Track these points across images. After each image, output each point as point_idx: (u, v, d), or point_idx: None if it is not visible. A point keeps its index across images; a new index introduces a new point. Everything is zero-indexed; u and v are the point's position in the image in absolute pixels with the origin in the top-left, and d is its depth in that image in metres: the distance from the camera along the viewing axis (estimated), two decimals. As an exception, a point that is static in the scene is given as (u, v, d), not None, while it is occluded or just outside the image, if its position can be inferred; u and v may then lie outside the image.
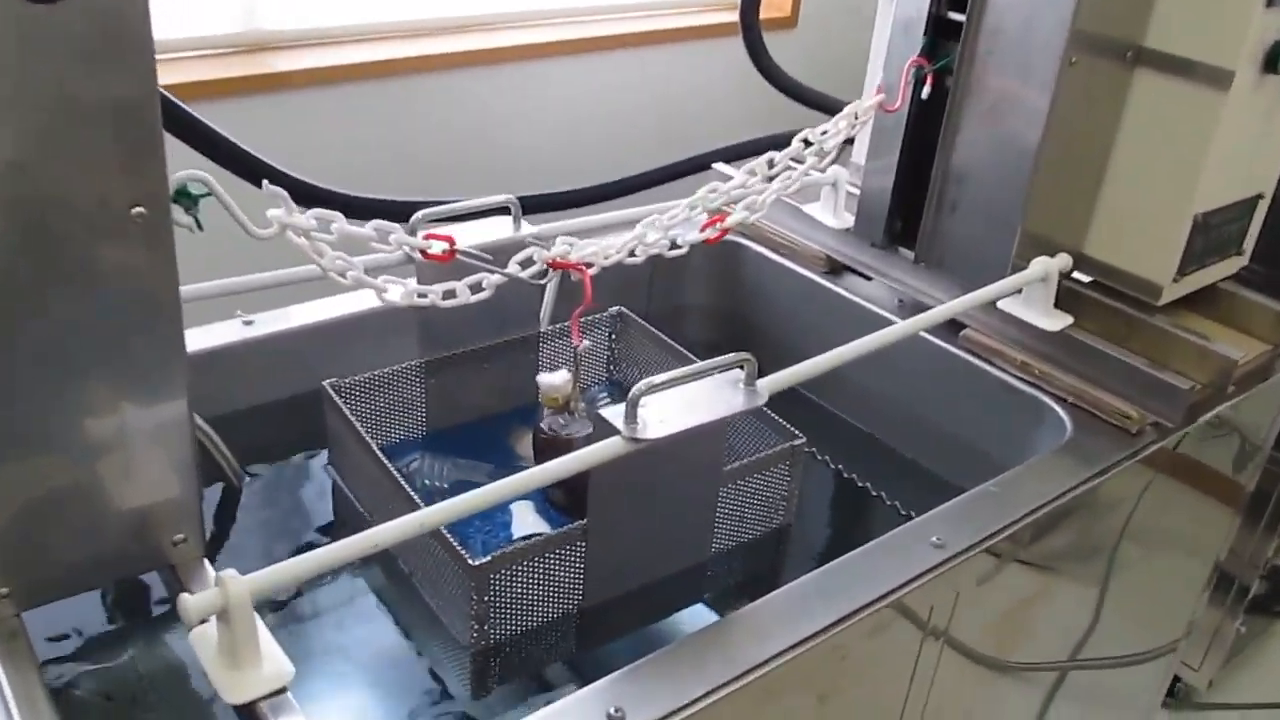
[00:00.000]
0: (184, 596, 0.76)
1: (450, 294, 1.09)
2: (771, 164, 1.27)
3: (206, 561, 0.90)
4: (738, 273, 1.72)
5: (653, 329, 1.42)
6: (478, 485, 1.27)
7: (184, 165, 0.90)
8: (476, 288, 1.11)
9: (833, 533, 1.37)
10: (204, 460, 1.21)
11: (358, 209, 1.41)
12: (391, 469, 1.11)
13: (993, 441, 1.39)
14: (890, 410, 1.49)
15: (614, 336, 1.47)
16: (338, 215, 1.00)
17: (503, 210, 1.31)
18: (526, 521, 1.21)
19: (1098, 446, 1.27)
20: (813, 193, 1.64)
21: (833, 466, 1.43)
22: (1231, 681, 2.23)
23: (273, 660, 0.81)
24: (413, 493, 1.08)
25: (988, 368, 1.40)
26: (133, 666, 1.04)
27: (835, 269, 1.63)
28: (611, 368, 1.49)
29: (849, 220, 1.59)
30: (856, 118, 1.35)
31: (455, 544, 1.02)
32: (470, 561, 0.99)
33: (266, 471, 1.30)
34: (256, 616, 0.79)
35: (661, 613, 1.19)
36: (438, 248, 1.09)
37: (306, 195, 1.35)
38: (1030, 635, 1.35)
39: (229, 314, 1.34)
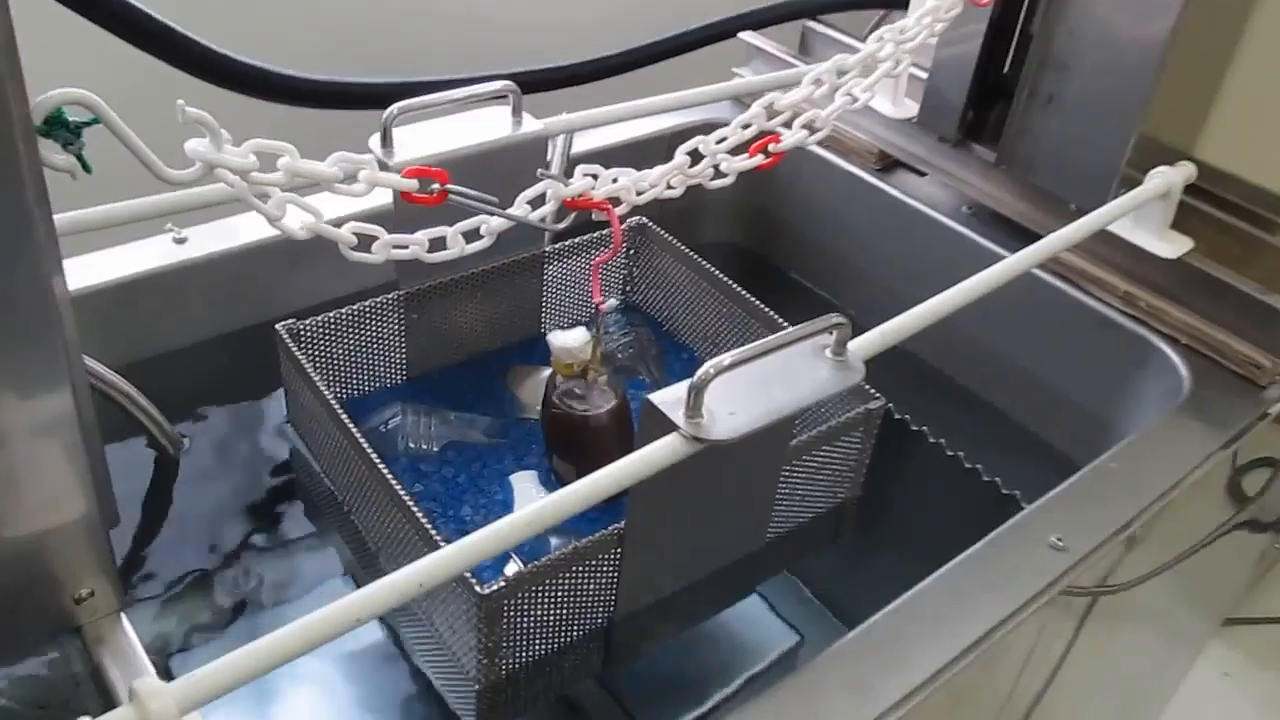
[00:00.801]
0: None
1: (439, 244, 0.83)
2: (841, 73, 1.00)
3: (125, 620, 0.66)
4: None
5: (679, 245, 1.17)
6: (474, 448, 1.05)
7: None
8: (473, 235, 0.85)
9: (907, 505, 1.15)
10: (127, 423, 0.96)
11: (322, 95, 1.13)
12: (365, 447, 0.87)
13: (1086, 386, 1.17)
14: (960, 344, 1.25)
15: (631, 251, 1.21)
16: (286, 148, 0.73)
17: (498, 98, 1.03)
18: (531, 501, 0.97)
19: (1224, 403, 1.05)
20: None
21: (897, 416, 1.20)
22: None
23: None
24: (396, 485, 0.84)
25: (1083, 298, 1.17)
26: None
27: (889, 166, 1.37)
28: (628, 288, 1.24)
29: (911, 109, 1.32)
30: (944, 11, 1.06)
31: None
32: (477, 589, 0.76)
33: (211, 430, 1.05)
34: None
35: (705, 611, 0.98)
36: (418, 188, 0.82)
37: (255, 82, 1.06)
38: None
39: (157, 230, 1.07)
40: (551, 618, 0.83)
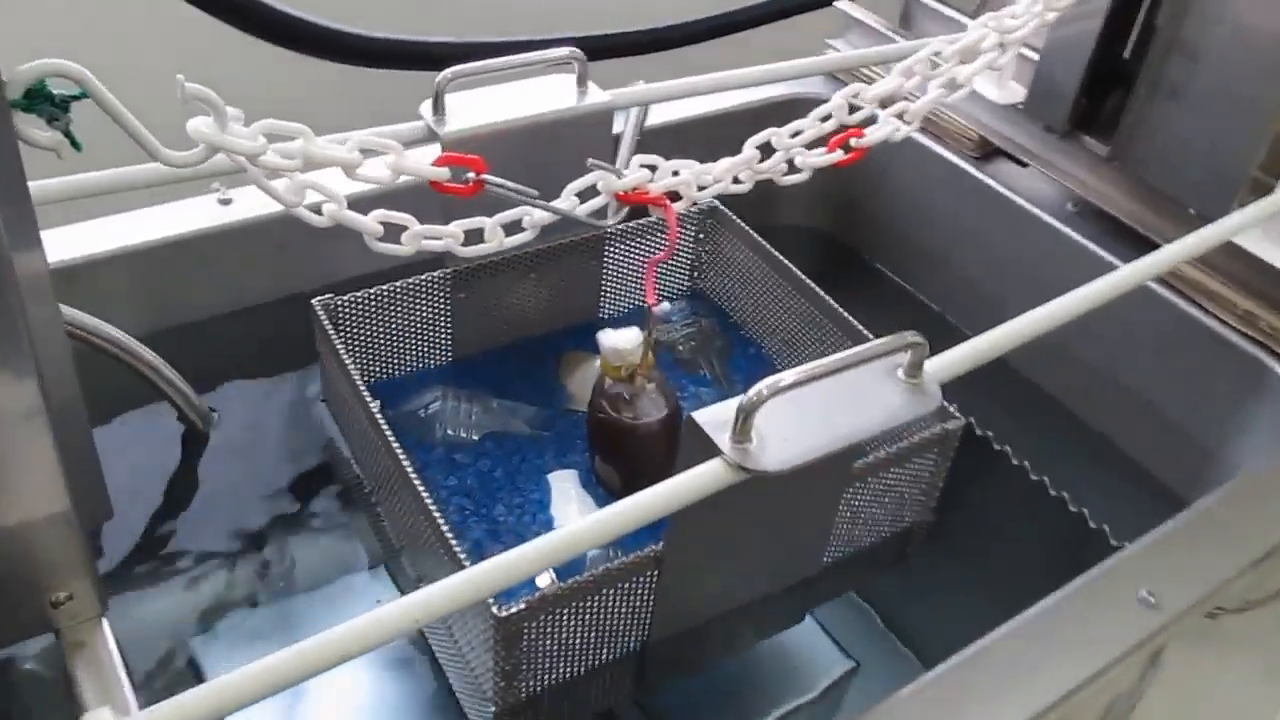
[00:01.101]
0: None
1: (476, 236, 0.76)
2: (936, 62, 0.90)
3: (106, 626, 0.61)
4: (858, 148, 1.35)
5: (752, 232, 1.08)
6: (514, 439, 0.98)
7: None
8: (514, 228, 0.78)
9: (981, 528, 1.05)
10: (154, 394, 0.92)
11: (373, 54, 1.06)
12: (393, 442, 0.81)
13: (1191, 411, 1.06)
14: (1050, 351, 1.15)
15: (701, 236, 1.13)
16: (299, 129, 0.67)
17: (562, 64, 0.96)
18: (569, 504, 0.91)
19: (1351, 442, 0.94)
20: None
21: (979, 432, 1.11)
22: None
23: None
24: (422, 488, 0.77)
25: (1195, 313, 1.05)
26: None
27: (988, 154, 1.26)
28: (695, 275, 1.16)
29: (1016, 93, 1.20)
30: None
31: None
32: (495, 610, 0.70)
33: (244, 404, 1.01)
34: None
35: (751, 638, 0.90)
36: (450, 176, 0.75)
37: (297, 35, 1.00)
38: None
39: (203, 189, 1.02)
40: (578, 641, 0.76)
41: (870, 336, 0.95)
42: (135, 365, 0.87)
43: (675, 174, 0.82)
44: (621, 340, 0.86)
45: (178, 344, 0.95)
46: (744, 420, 0.63)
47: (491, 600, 0.71)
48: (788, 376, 0.64)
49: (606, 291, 1.09)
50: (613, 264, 1.07)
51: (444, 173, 0.75)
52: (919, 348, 0.69)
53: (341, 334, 0.93)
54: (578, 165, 0.91)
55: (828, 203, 1.39)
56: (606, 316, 1.11)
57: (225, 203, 1.02)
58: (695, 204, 0.97)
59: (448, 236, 0.77)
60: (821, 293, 1.01)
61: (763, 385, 0.63)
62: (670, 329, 1.10)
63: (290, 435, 0.98)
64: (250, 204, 1.03)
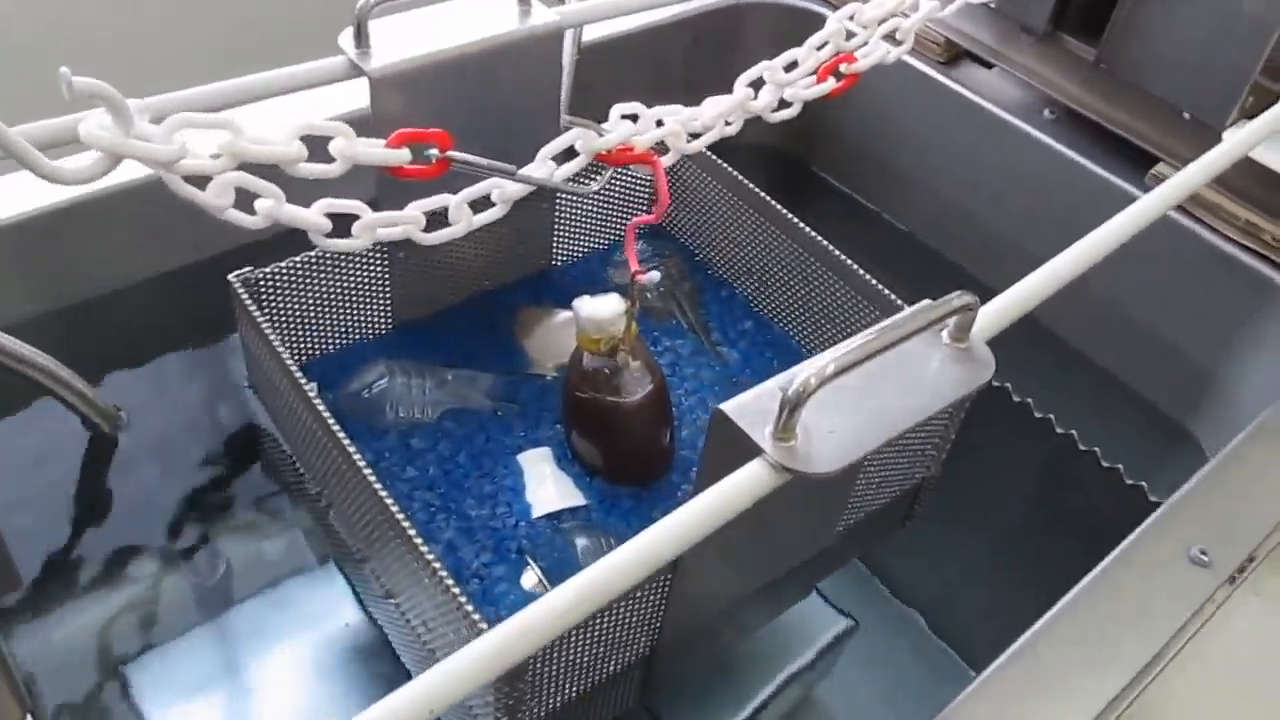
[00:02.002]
0: None
1: (438, 220, 0.64)
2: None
3: (27, 730, 0.49)
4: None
5: (719, 161, 0.97)
6: (475, 415, 0.87)
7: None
8: (483, 204, 0.66)
9: (972, 468, 0.98)
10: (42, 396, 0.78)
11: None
12: (342, 438, 0.69)
13: (1191, 332, 1.00)
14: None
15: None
16: (226, 121, 0.54)
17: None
18: (545, 489, 0.81)
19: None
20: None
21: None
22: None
23: None
24: (380, 488, 0.66)
25: (1194, 227, 0.99)
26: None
27: (955, 58, 1.16)
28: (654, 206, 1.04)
29: (988, -10, 1.10)
30: None
31: (468, 606, 0.62)
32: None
33: (156, 395, 0.87)
34: None
35: (761, 621, 0.82)
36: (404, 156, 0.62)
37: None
38: None
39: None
40: (584, 659, 0.67)
41: (864, 275, 0.85)
42: (20, 370, 0.72)
43: (659, 124, 0.71)
44: (601, 309, 0.74)
45: (66, 331, 0.81)
46: (788, 415, 0.53)
47: (486, 626, 0.61)
48: (831, 361, 0.54)
49: (560, 236, 0.97)
50: (566, 205, 0.95)
51: (404, 154, 0.63)
52: (969, 308, 0.60)
53: (266, 311, 0.80)
54: (526, 98, 0.79)
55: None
56: (560, 264, 0.99)
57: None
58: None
59: (406, 223, 0.65)
60: (800, 222, 0.90)
61: (808, 374, 0.53)
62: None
63: (213, 431, 0.85)
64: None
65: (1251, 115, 0.94)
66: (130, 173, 0.85)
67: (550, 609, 0.47)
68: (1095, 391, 1.05)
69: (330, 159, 0.63)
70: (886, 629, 0.96)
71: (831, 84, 0.78)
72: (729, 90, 0.79)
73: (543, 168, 0.69)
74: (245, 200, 0.63)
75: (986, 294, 0.62)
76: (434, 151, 0.65)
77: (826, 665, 0.91)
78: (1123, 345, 1.05)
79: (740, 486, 0.53)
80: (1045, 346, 1.08)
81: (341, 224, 0.70)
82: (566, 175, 0.70)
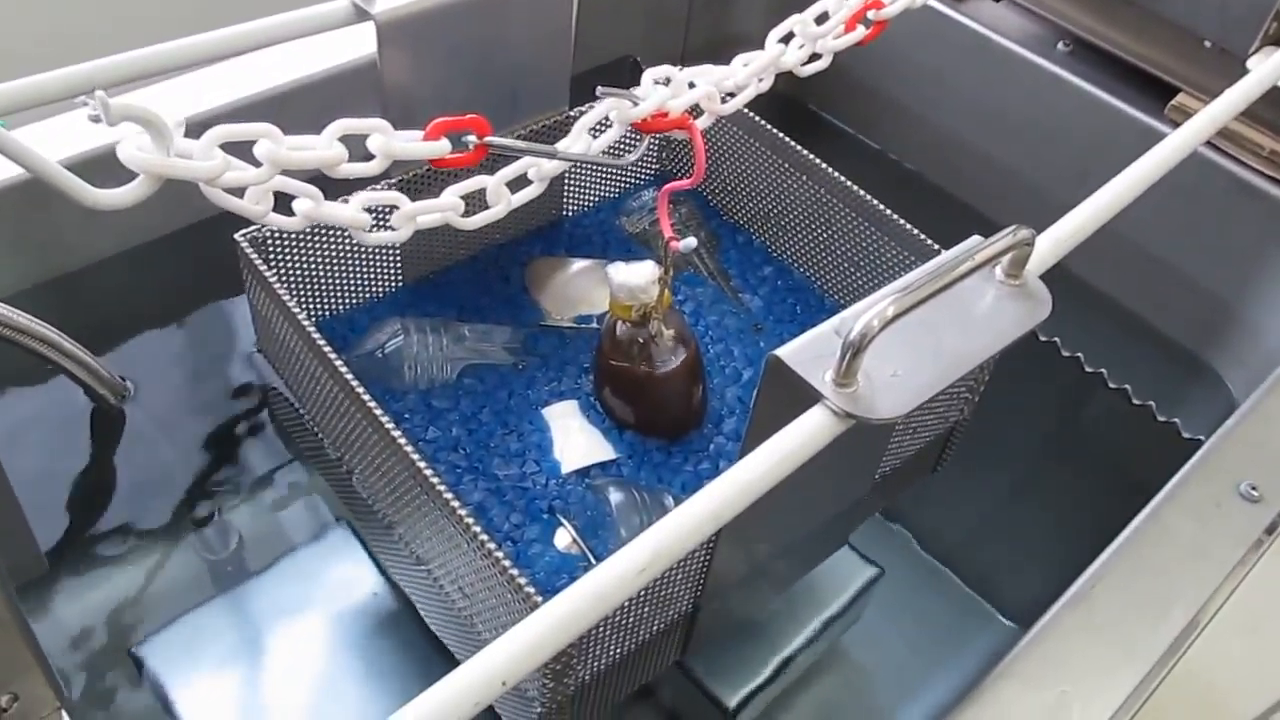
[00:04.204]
0: None
1: (476, 201, 0.62)
2: None
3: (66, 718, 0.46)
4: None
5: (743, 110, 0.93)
6: (495, 371, 0.84)
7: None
8: (520, 181, 0.63)
9: (1012, 426, 0.96)
10: (47, 370, 0.74)
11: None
12: (367, 400, 0.66)
13: (1212, 266, 0.99)
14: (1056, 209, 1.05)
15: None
16: (265, 131, 0.51)
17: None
18: (574, 444, 0.78)
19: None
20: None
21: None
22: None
23: None
24: (411, 450, 0.64)
25: (1215, 157, 0.97)
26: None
27: (961, -9, 1.13)
28: (664, 155, 1.01)
29: (997, -82, 1.07)
30: None
31: (513, 570, 0.59)
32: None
33: (162, 364, 0.83)
34: None
35: (798, 575, 0.81)
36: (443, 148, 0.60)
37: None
38: None
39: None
40: (631, 619, 0.65)
41: (894, 217, 0.83)
42: (22, 342, 0.69)
43: (691, 85, 0.68)
44: (634, 275, 0.71)
45: (67, 300, 0.78)
46: (850, 359, 0.51)
47: (533, 591, 0.59)
48: (890, 302, 0.52)
49: (571, 185, 0.94)
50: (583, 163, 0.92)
51: (444, 145, 0.60)
52: (1025, 243, 0.58)
53: (275, 269, 0.76)
54: (536, 41, 0.76)
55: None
56: (571, 214, 0.96)
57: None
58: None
59: (446, 209, 0.62)
60: (829, 168, 0.87)
61: (870, 316, 0.51)
62: (644, 218, 0.95)
63: (222, 399, 0.82)
64: (129, 114, 0.83)
65: (1276, 41, 0.92)
66: (113, 135, 0.82)
67: (623, 572, 0.45)
68: (1117, 329, 1.03)
69: (368, 155, 0.61)
70: (912, 576, 0.94)
71: (861, 32, 0.75)
72: (732, 36, 0.77)
73: (579, 141, 0.66)
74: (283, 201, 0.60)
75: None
76: (472, 138, 0.62)
77: (854, 614, 0.90)
78: (1144, 281, 1.03)
79: (802, 435, 0.51)
80: (1065, 283, 1.07)
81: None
82: (604, 147, 0.67)
